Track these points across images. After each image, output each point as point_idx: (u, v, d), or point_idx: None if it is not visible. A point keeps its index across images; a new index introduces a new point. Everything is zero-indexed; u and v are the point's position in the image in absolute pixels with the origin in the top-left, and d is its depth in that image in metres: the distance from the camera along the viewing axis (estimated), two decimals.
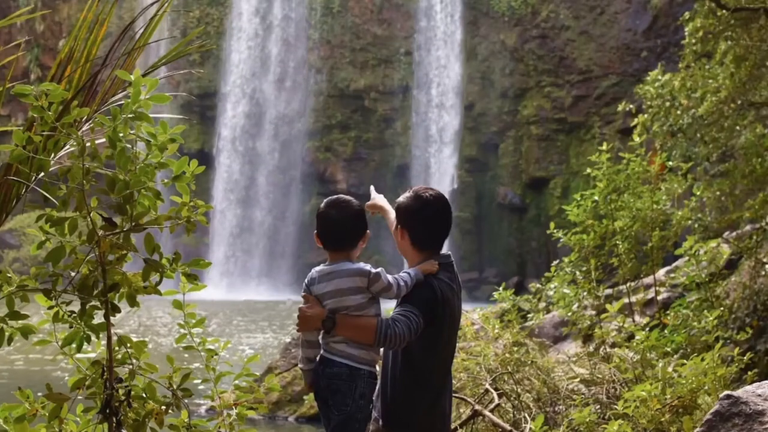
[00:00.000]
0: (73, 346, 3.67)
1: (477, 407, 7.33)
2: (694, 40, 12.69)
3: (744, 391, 4.71)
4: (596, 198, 10.57)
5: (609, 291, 11.48)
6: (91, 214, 3.52)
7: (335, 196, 3.96)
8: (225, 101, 41.61)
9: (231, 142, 41.49)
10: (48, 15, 40.79)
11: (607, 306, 8.52)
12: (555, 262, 10.45)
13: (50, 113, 3.45)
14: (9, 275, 3.56)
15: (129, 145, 3.55)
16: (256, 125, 41.71)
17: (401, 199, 4.01)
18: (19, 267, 34.74)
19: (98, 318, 3.64)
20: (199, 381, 4.11)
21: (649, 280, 12.00)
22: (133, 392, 3.67)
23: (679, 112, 12.21)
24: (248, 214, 41.30)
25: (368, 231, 3.91)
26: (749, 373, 7.91)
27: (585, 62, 38.91)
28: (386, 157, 41.47)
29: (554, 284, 10.03)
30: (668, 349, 8.29)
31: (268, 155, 41.68)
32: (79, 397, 3.72)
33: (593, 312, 9.51)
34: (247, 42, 41.89)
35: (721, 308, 9.53)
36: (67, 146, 3.57)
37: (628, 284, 10.97)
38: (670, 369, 6.85)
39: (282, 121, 41.81)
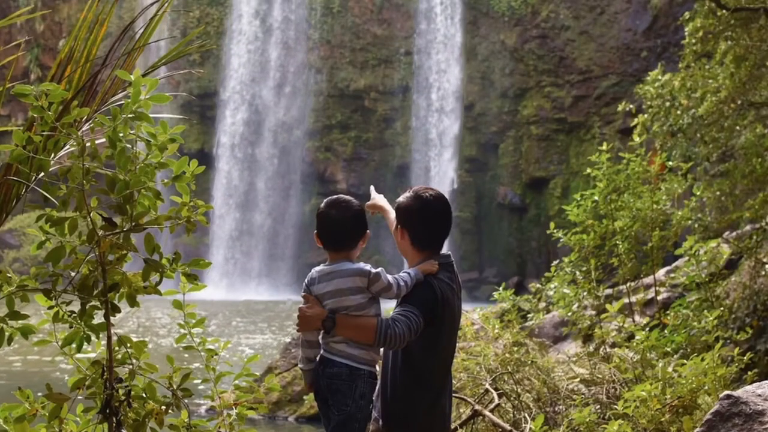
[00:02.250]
0: (73, 346, 3.66)
1: (477, 407, 7.33)
2: (694, 40, 12.68)
3: (744, 391, 4.71)
4: (596, 198, 10.57)
5: (609, 291, 11.47)
6: (91, 214, 3.52)
7: (335, 196, 3.96)
8: (224, 108, 41.56)
9: (230, 149, 41.46)
10: (48, 15, 40.79)
11: (607, 306, 8.52)
12: (555, 262, 10.44)
13: (50, 113, 3.45)
14: (9, 275, 3.56)
15: (129, 145, 3.55)
16: (255, 133, 41.70)
17: (401, 199, 4.01)
18: (19, 267, 34.76)
19: (98, 318, 3.64)
20: (199, 381, 4.11)
21: (649, 280, 11.99)
22: (133, 392, 3.67)
23: (679, 112, 12.20)
24: (248, 218, 41.32)
25: (368, 231, 3.91)
26: (749, 373, 7.91)
27: (585, 62, 38.91)
28: (386, 157, 41.48)
29: (554, 284, 10.03)
30: (668, 349, 8.29)
31: (267, 161, 41.69)
32: (79, 397, 3.72)
33: (593, 312, 9.51)
34: (247, 45, 41.89)
35: (721, 308, 9.52)
36: (67, 146, 3.57)
37: (628, 284, 10.96)
38: (670, 369, 6.85)
39: (281, 128, 41.80)
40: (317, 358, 3.84)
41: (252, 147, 41.66)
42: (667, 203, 10.77)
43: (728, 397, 4.69)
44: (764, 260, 10.42)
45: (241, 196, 41.37)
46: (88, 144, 3.47)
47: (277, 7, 42.21)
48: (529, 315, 10.76)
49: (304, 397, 12.01)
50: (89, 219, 3.52)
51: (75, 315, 3.61)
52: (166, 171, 3.68)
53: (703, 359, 6.72)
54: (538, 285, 10.81)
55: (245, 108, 41.71)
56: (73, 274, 3.59)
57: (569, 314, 9.51)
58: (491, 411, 7.37)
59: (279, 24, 42.10)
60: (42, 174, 3.53)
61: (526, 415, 7.38)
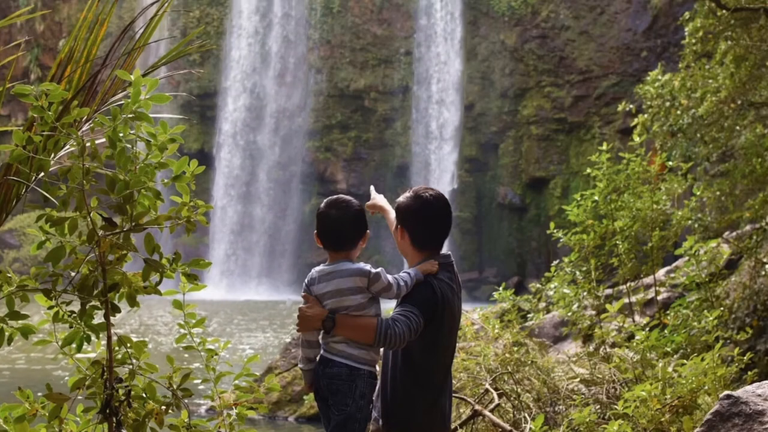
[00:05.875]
0: (73, 346, 3.66)
1: (477, 407, 7.33)
2: (694, 40, 12.68)
3: (744, 391, 4.72)
4: (596, 198, 10.58)
5: (609, 291, 11.48)
6: (91, 214, 3.52)
7: (335, 196, 3.96)
8: (226, 95, 41.65)
9: (232, 136, 41.54)
10: (48, 15, 40.79)
11: (607, 306, 8.52)
12: (555, 262, 10.45)
13: (50, 113, 3.45)
14: (9, 275, 3.56)
15: (129, 145, 3.55)
16: (256, 118, 41.74)
17: (401, 199, 4.02)
18: (19, 267, 34.77)
19: (98, 318, 3.64)
20: (199, 381, 4.10)
21: (649, 280, 11.99)
22: (133, 392, 3.67)
23: (679, 112, 12.20)
24: (249, 211, 41.33)
25: (368, 231, 3.91)
26: (749, 373, 7.91)
27: (585, 62, 38.91)
28: (386, 157, 41.48)
29: (554, 284, 10.04)
30: (668, 349, 8.29)
31: (269, 150, 41.68)
32: (79, 397, 3.72)
33: (593, 312, 9.52)
34: (248, 39, 41.96)
35: (721, 308, 9.52)
36: (67, 146, 3.57)
37: (628, 284, 10.96)
38: (670, 369, 6.85)
39: (282, 114, 41.82)
40: (317, 358, 3.84)
41: (254, 134, 41.72)
42: (667, 203, 10.77)
43: (728, 397, 4.69)
44: (764, 260, 10.42)
45: (243, 187, 41.45)
46: (88, 144, 3.47)
47: (276, 7, 42.21)
48: (529, 315, 10.76)
49: (304, 397, 12.01)
50: (89, 219, 3.52)
51: (75, 315, 3.61)
52: (166, 171, 3.68)
53: (703, 359, 6.72)
54: (538, 285, 10.81)
55: (246, 95, 41.79)
56: (73, 274, 3.59)
57: (569, 314, 9.51)
58: (491, 411, 7.37)
59: (279, 19, 42.11)
60: (42, 174, 3.53)
61: (526, 415, 7.38)
